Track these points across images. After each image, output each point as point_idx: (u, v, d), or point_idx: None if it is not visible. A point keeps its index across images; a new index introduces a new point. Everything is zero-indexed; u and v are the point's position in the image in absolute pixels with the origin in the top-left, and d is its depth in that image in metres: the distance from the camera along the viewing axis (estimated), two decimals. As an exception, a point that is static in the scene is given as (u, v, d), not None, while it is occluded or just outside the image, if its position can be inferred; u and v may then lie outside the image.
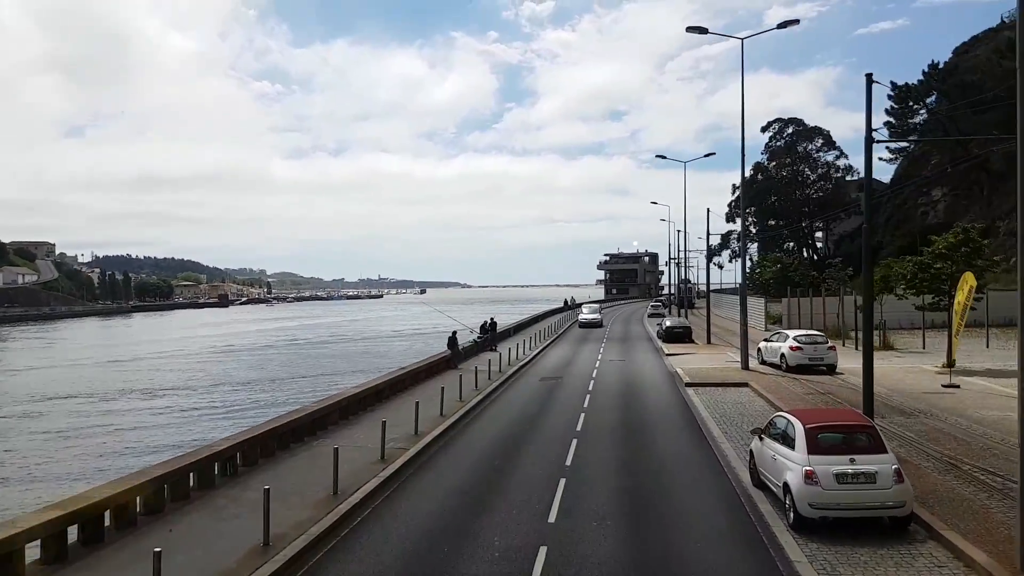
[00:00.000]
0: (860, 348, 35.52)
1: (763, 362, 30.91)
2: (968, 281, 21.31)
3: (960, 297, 21.51)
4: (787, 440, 12.06)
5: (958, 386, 23.00)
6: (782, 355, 29.21)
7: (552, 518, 11.98)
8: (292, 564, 10.37)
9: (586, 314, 64.94)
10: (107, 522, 11.41)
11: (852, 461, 11.07)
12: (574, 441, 17.40)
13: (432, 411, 20.72)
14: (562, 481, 13.99)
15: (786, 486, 11.53)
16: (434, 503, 13.02)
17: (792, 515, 11.29)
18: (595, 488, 13.63)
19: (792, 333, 30.53)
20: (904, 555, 10.18)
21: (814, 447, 11.35)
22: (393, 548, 10.94)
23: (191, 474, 13.68)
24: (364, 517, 12.40)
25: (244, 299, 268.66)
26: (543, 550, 10.60)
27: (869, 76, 15.44)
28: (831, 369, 28.22)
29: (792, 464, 11.52)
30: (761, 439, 13.25)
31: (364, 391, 21.80)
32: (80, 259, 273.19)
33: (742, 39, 29.66)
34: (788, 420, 12.38)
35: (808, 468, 11.11)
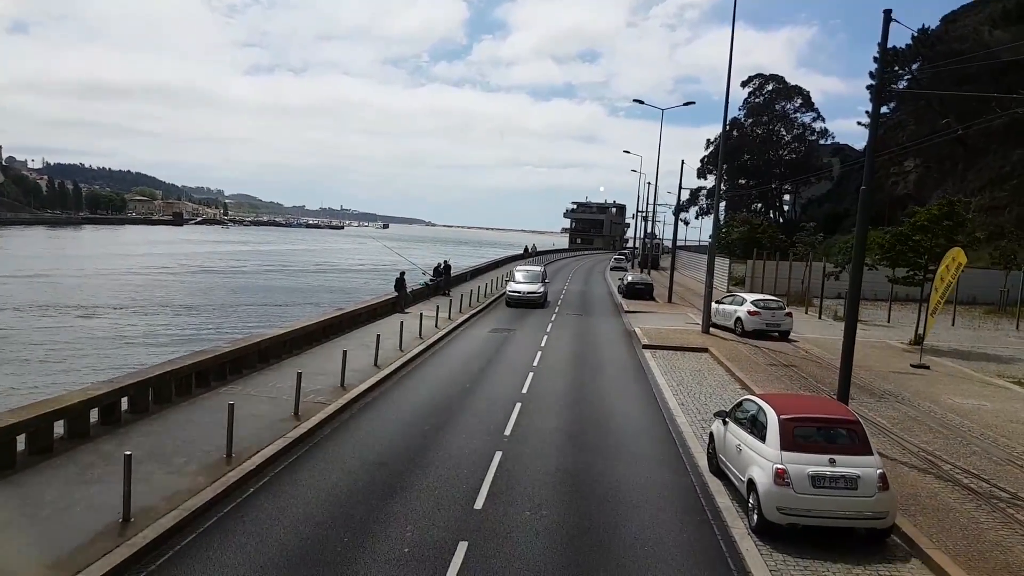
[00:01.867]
0: (824, 316, 34.71)
1: (714, 325, 29.65)
2: (956, 257, 19.83)
3: (944, 273, 20.04)
4: (756, 429, 10.40)
5: (928, 367, 21.79)
6: (738, 319, 28.16)
7: (479, 503, 10.21)
8: (151, 550, 8.44)
9: (520, 282, 37.32)
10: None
11: (832, 462, 9.45)
12: (517, 406, 15.61)
13: (366, 360, 18.78)
14: (497, 455, 12.22)
15: (751, 483, 9.90)
16: (344, 476, 11.13)
17: (756, 517, 9.67)
18: (533, 466, 11.87)
19: (750, 297, 29.40)
20: (884, 577, 8.67)
21: (789, 442, 9.69)
22: (283, 534, 9.06)
23: (59, 422, 11.58)
24: (257, 489, 10.47)
25: (199, 219, 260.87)
26: (462, 546, 8.85)
27: (887, 12, 13.40)
28: (784, 335, 27.39)
29: (761, 459, 9.88)
30: (725, 423, 11.59)
31: (290, 332, 19.61)
32: (30, 164, 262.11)
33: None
34: (759, 406, 10.69)
35: (780, 466, 9.47)
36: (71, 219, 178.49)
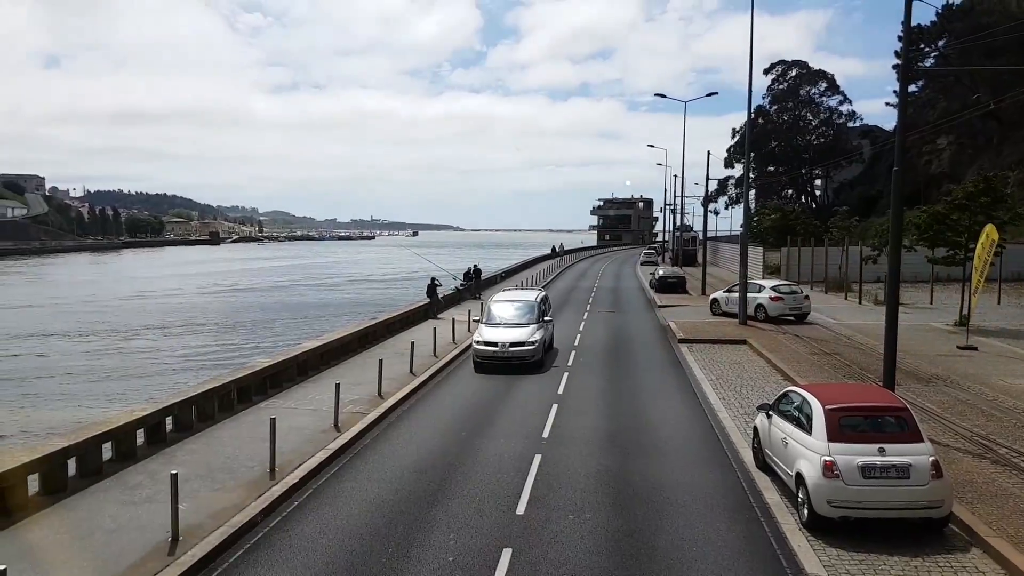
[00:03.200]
0: (864, 301, 33.92)
1: (722, 312, 30.34)
2: (990, 234, 19.26)
3: (980, 251, 19.48)
4: (802, 421, 10.17)
5: (975, 348, 21.19)
6: (760, 305, 28.95)
7: (521, 509, 10.13)
8: (200, 568, 8.53)
9: (495, 322, 20.73)
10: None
11: (881, 451, 9.20)
12: (554, 407, 15.52)
13: (402, 368, 18.86)
14: (537, 459, 12.14)
15: (799, 477, 9.69)
16: (385, 485, 11.14)
17: (806, 512, 9.46)
18: (574, 469, 11.77)
19: (768, 284, 30.54)
20: (944, 568, 8.40)
21: (836, 433, 9.46)
22: (329, 546, 9.09)
23: (107, 444, 11.78)
24: (301, 502, 10.53)
25: (235, 237, 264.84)
26: (507, 553, 8.78)
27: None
28: (801, 318, 28.41)
29: (808, 452, 9.65)
30: (769, 416, 11.37)
31: (327, 344, 19.80)
32: (72, 193, 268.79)
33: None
34: (804, 397, 10.46)
35: (828, 458, 9.25)
36: (112, 244, 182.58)
